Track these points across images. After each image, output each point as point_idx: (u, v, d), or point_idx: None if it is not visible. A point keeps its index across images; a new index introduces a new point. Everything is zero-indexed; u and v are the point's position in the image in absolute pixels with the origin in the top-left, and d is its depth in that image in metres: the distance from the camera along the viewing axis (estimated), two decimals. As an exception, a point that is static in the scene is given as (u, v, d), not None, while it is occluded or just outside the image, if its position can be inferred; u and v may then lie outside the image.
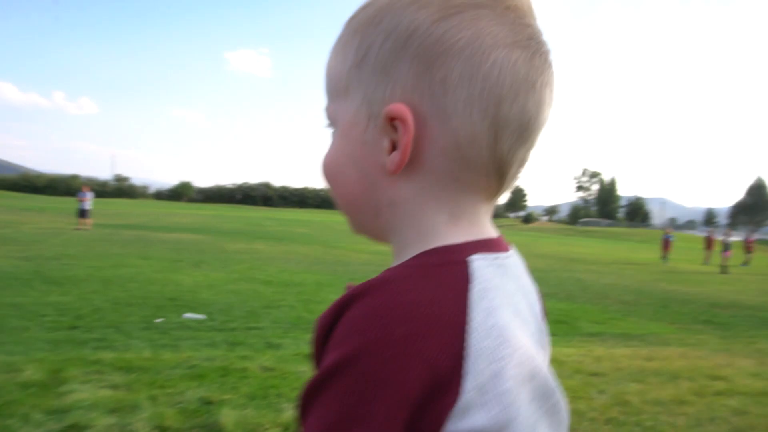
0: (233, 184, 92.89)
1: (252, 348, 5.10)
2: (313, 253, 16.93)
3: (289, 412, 2.82)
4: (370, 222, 0.54)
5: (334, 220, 48.03)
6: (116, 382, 3.33)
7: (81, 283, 8.74)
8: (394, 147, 0.48)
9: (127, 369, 3.70)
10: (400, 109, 0.46)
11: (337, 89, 0.52)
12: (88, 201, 21.16)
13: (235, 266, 12.27)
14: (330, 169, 0.54)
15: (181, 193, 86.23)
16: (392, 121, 0.47)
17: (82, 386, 3.17)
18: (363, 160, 0.50)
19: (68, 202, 38.30)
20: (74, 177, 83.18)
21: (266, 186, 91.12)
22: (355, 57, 0.50)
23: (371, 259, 15.82)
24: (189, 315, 6.95)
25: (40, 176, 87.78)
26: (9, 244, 13.84)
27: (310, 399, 0.42)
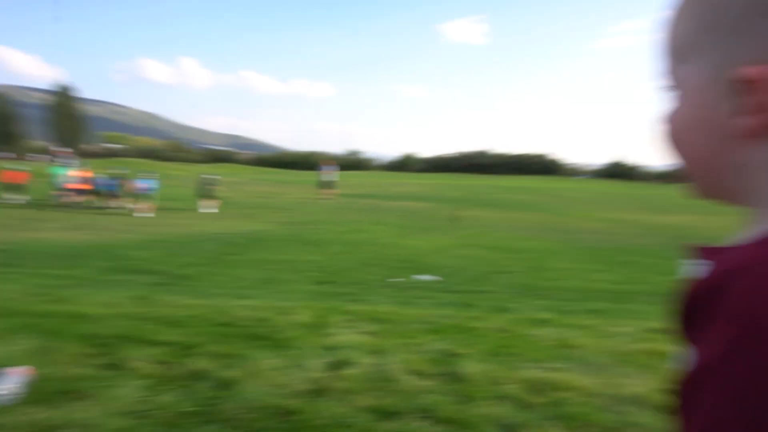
0: (454, 153, 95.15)
1: (482, 310, 5.23)
2: (539, 220, 16.51)
3: (528, 371, 2.86)
4: (717, 186, 0.52)
5: (557, 186, 45.90)
6: (368, 329, 3.77)
7: (330, 244, 10.02)
8: (746, 110, 0.45)
9: (375, 320, 4.14)
10: (758, 71, 0.43)
11: (682, 52, 0.51)
12: (332, 173, 23.94)
13: (462, 232, 12.67)
14: (676, 133, 0.53)
15: (406, 164, 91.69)
16: (747, 83, 0.44)
17: (342, 330, 3.67)
18: (712, 123, 0.48)
19: (313, 176, 43.93)
20: (316, 153, 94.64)
21: (485, 154, 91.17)
22: (703, 17, 0.48)
23: (603, 227, 14.76)
24: (422, 276, 7.45)
25: (290, 153, 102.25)
26: (275, 212, 16.58)
27: (695, 388, 0.39)
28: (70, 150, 19.03)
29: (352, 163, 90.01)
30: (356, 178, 54.37)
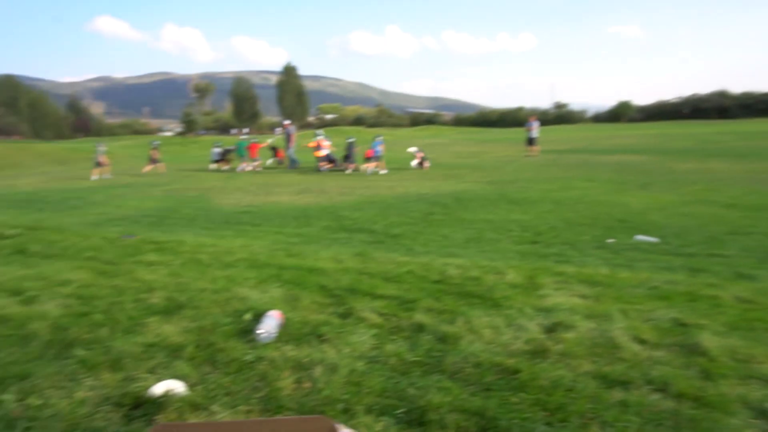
0: (678, 98, 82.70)
1: (718, 276, 4.57)
2: (793, 172, 13.65)
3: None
4: None
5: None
6: (583, 292, 3.59)
7: (536, 203, 9.69)
8: None
9: (589, 282, 3.92)
10: None
11: None
12: (535, 129, 22.95)
13: (687, 188, 11.14)
14: None
15: (619, 114, 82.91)
16: None
17: (555, 292, 3.56)
18: None
19: (516, 133, 42.58)
20: (519, 109, 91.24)
21: (721, 95, 77.04)
22: None
23: None
24: (641, 237, 6.77)
25: (492, 111, 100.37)
26: (477, 171, 16.59)
27: None
28: (289, 122, 21.54)
29: (558, 117, 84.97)
30: (564, 132, 51.25)
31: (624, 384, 2.20)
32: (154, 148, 22.27)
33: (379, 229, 7.60)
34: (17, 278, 4.11)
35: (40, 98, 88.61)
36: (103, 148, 21.46)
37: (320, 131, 23.85)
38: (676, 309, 3.17)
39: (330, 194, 12.17)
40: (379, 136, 19.25)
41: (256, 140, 23.09)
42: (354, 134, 29.04)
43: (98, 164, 20.67)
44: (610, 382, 2.22)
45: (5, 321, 3.03)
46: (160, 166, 21.65)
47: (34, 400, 2.11)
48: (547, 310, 3.10)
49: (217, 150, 22.85)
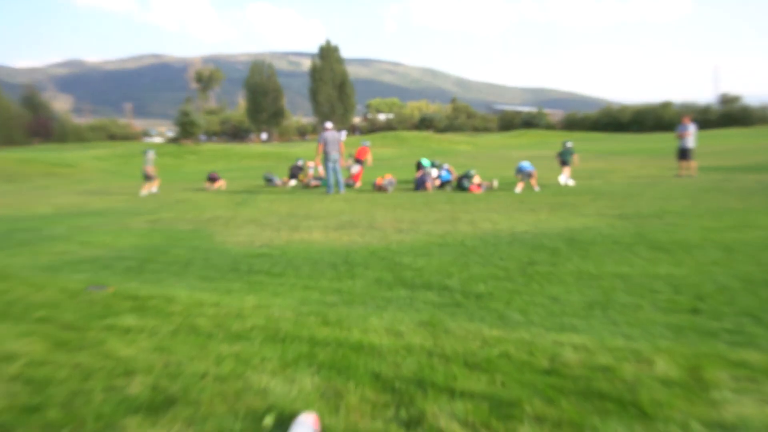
0: None
1: None
2: None
3: None
4: None
5: None
6: (778, 395, 3.38)
7: (694, 249, 9.36)
8: None
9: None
10: None
11: None
12: (691, 136, 22.38)
13: None
14: None
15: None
16: None
17: (736, 396, 3.36)
18: None
19: (661, 140, 41.75)
20: (665, 105, 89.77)
21: None
22: None
23: None
24: None
25: (623, 109, 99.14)
26: (602, 198, 16.30)
27: None
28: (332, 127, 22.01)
29: (726, 117, 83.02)
30: (736, 139, 49.89)
31: None
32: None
33: (455, 286, 7.53)
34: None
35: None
36: (152, 155, 23.67)
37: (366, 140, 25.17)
38: None
39: (383, 230, 12.23)
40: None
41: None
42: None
43: (147, 177, 22.87)
44: None
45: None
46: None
47: None
48: (727, 429, 2.92)
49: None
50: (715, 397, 3.37)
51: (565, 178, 21.21)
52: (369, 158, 25.12)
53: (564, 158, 21.88)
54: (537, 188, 19.68)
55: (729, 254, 8.97)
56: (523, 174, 20.11)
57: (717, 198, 15.45)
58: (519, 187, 19.76)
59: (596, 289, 7.28)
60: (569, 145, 22.55)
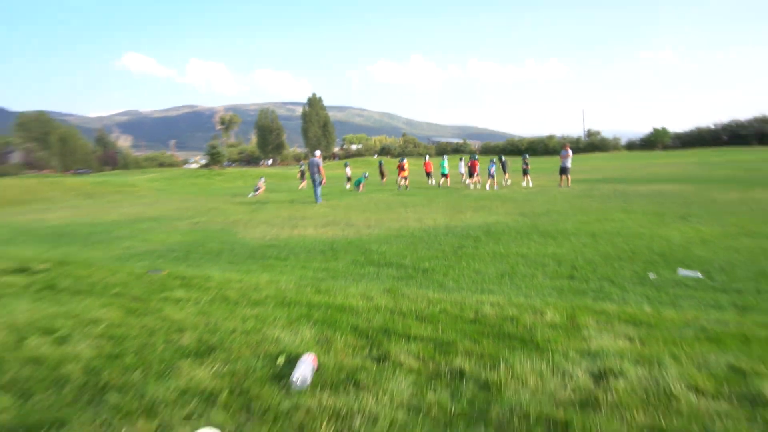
0: (717, 124, 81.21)
1: (771, 315, 4.40)
2: None
3: None
4: None
5: None
6: (629, 334, 3.48)
7: (571, 236, 9.54)
8: None
9: (633, 322, 3.81)
10: None
11: None
12: (568, 158, 22.79)
13: (731, 219, 10.86)
14: None
15: (655, 141, 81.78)
16: None
17: (598, 334, 3.47)
18: None
19: (547, 162, 42.26)
20: (550, 137, 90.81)
21: (762, 120, 75.20)
22: None
23: None
24: (684, 272, 6.60)
25: (521, 140, 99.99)
26: (508, 203, 16.50)
27: None
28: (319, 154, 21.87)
29: (591, 146, 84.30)
30: (598, 161, 50.72)
31: (685, 440, 2.11)
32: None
33: (408, 264, 7.56)
34: (49, 316, 4.20)
35: (70, 133, 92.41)
36: (263, 180, 28.54)
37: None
38: (730, 353, 3.05)
39: (357, 227, 12.21)
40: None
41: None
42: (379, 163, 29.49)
43: (257, 189, 27.04)
44: (669, 438, 2.13)
45: (40, 362, 3.08)
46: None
47: (69, 448, 2.12)
48: (592, 354, 3.01)
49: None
50: (585, 334, 3.46)
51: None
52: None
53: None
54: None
55: (594, 239, 9.16)
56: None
57: (586, 201, 15.74)
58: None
59: (505, 264, 7.38)
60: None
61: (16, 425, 2.30)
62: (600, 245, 8.54)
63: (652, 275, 6.51)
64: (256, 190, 27.50)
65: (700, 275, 6.43)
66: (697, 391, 2.49)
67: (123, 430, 2.25)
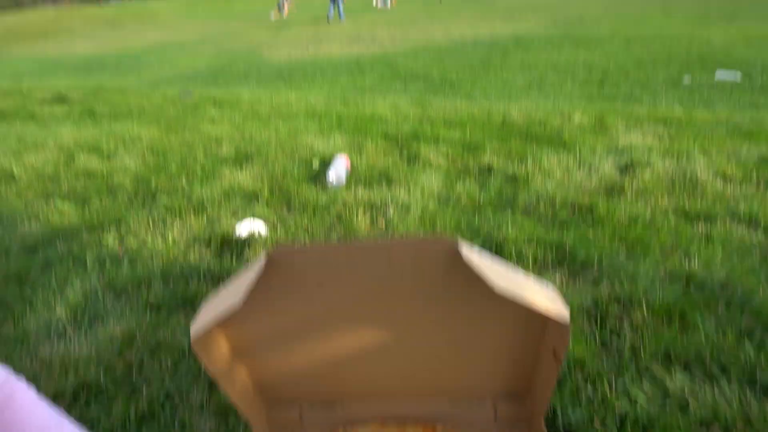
0: None
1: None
2: None
3: None
4: None
5: None
6: (658, 132, 3.37)
7: (604, 42, 8.90)
8: None
9: (663, 122, 3.67)
10: None
11: None
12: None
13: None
14: None
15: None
16: None
17: (627, 133, 3.36)
18: None
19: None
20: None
21: None
22: None
23: None
24: (722, 74, 6.19)
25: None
26: (539, 11, 15.21)
27: None
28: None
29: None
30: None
31: (708, 218, 2.12)
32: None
33: (435, 77, 7.29)
34: (93, 136, 4.27)
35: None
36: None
37: None
38: (763, 146, 2.94)
39: (382, 42, 11.59)
40: None
41: None
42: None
43: (279, 8, 23.01)
44: (692, 217, 2.14)
45: (93, 175, 3.20)
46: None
47: (131, 241, 2.27)
48: (620, 150, 2.95)
49: None
50: (613, 134, 3.36)
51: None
52: None
53: None
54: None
55: (628, 44, 8.56)
56: None
57: (622, 5, 14.40)
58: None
59: (534, 74, 7.04)
60: None
61: (80, 225, 2.46)
62: (634, 51, 7.99)
63: (686, 79, 6.15)
64: (281, 8, 24.71)
65: (739, 76, 6.04)
66: (725, 177, 2.45)
67: (176, 225, 2.38)
